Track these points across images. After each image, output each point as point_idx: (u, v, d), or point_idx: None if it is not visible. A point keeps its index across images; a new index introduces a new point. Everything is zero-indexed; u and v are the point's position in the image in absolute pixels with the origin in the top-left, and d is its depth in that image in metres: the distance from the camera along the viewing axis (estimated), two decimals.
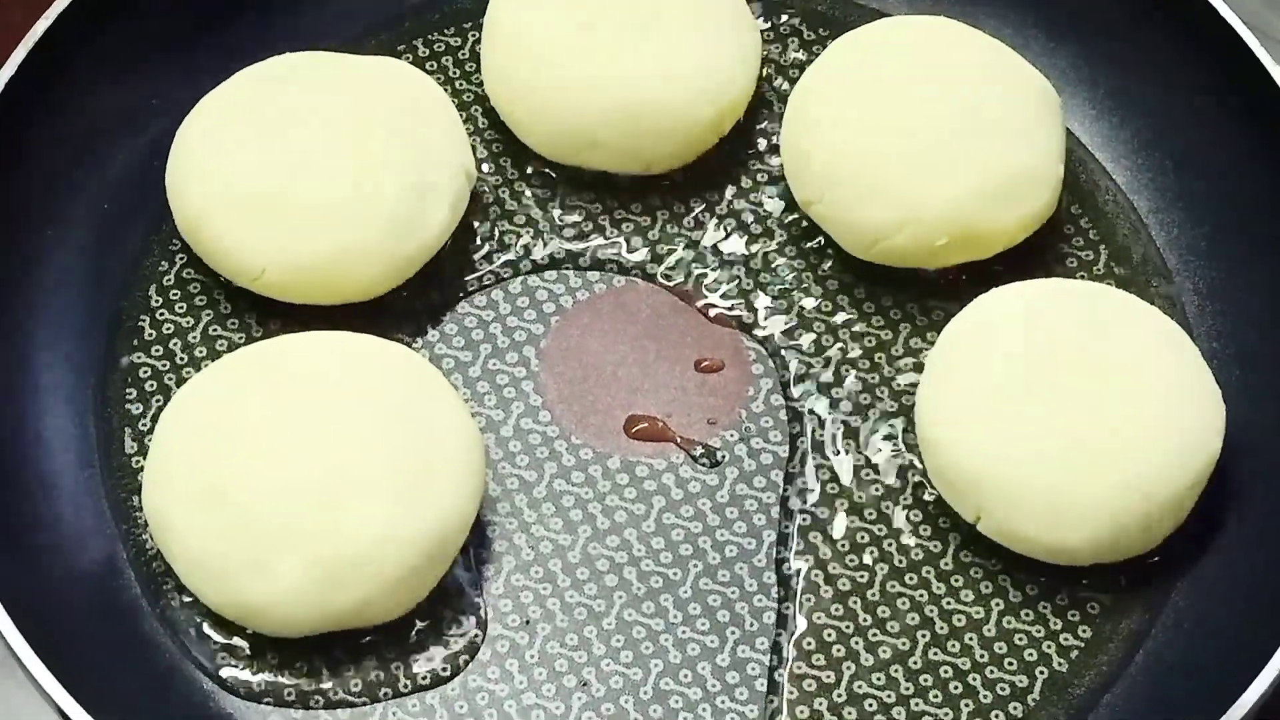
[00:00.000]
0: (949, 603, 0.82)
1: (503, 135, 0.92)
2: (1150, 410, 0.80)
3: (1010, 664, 0.81)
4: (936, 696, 0.81)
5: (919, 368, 0.87)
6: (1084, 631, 0.82)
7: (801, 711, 0.80)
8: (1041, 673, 0.81)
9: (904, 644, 0.82)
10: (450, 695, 0.80)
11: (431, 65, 0.94)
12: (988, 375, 0.81)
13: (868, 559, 0.83)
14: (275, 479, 0.78)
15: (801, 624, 0.82)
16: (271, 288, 0.86)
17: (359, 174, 0.85)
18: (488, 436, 0.85)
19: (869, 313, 0.89)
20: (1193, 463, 0.80)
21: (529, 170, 0.91)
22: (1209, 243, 0.90)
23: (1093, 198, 0.92)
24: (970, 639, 0.82)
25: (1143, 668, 0.81)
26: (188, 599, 0.81)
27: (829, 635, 0.82)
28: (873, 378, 0.87)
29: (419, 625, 0.81)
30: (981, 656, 0.82)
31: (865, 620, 0.82)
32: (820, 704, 0.80)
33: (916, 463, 0.85)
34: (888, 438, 0.86)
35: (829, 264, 0.90)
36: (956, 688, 0.81)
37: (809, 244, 0.90)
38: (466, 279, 0.89)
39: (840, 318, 0.88)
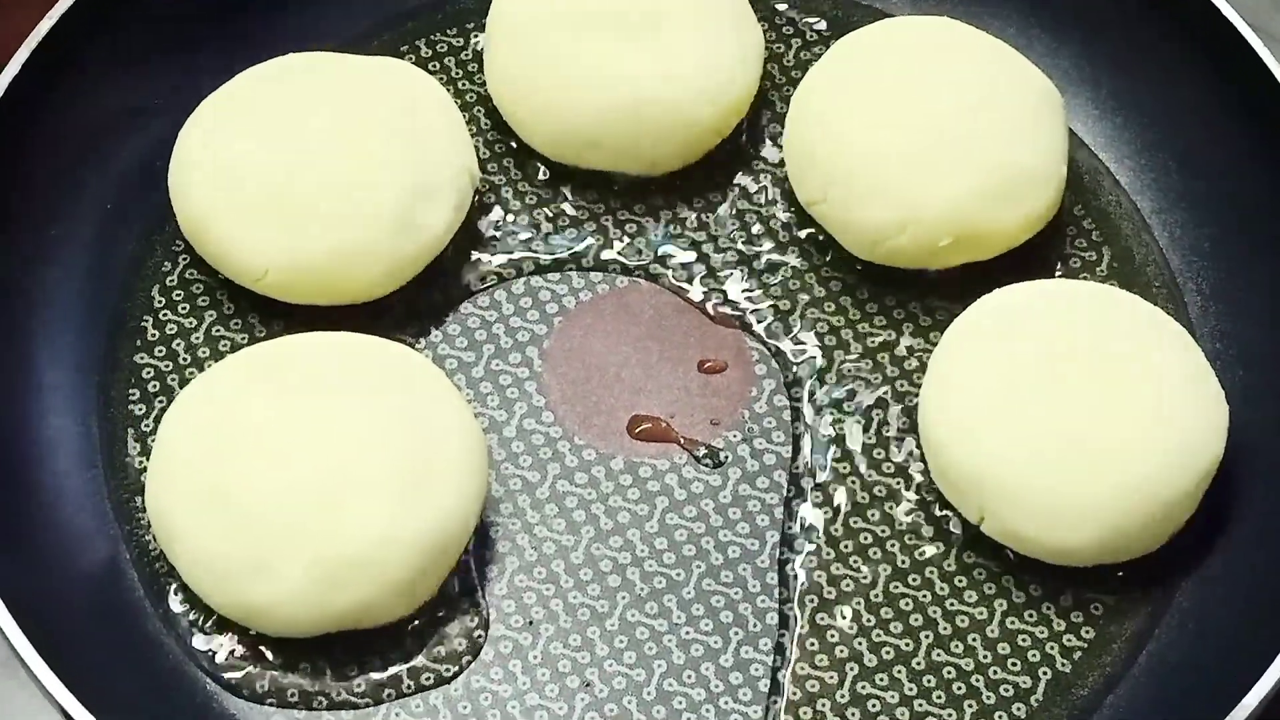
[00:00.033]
0: (952, 603, 0.82)
1: (505, 135, 0.92)
2: (1153, 411, 0.80)
3: (1014, 664, 0.81)
4: (940, 697, 0.81)
5: (922, 368, 0.87)
6: (1087, 632, 0.82)
7: (805, 712, 0.80)
8: (1045, 673, 0.81)
9: (907, 644, 0.82)
10: (453, 695, 0.80)
11: (434, 65, 0.94)
12: (991, 376, 0.81)
13: (871, 559, 0.83)
14: (278, 480, 0.78)
15: (804, 625, 0.82)
16: (274, 288, 0.86)
17: (362, 174, 0.85)
18: (491, 437, 0.85)
19: (872, 313, 0.89)
20: (1196, 463, 0.80)
21: (532, 170, 0.91)
22: (1212, 243, 0.90)
23: (1095, 198, 0.92)
24: (973, 639, 0.82)
25: (1146, 668, 0.81)
26: (190, 599, 0.81)
27: (832, 636, 0.82)
28: (876, 378, 0.87)
29: (422, 625, 0.81)
30: (985, 657, 0.81)
31: (868, 621, 0.82)
32: (823, 704, 0.80)
33: (920, 463, 0.85)
34: (891, 438, 0.86)
35: (832, 264, 0.90)
36: (960, 688, 0.81)
37: (812, 244, 0.90)
38: (469, 280, 0.89)
39: (843, 318, 0.88)
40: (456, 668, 0.81)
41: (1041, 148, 0.87)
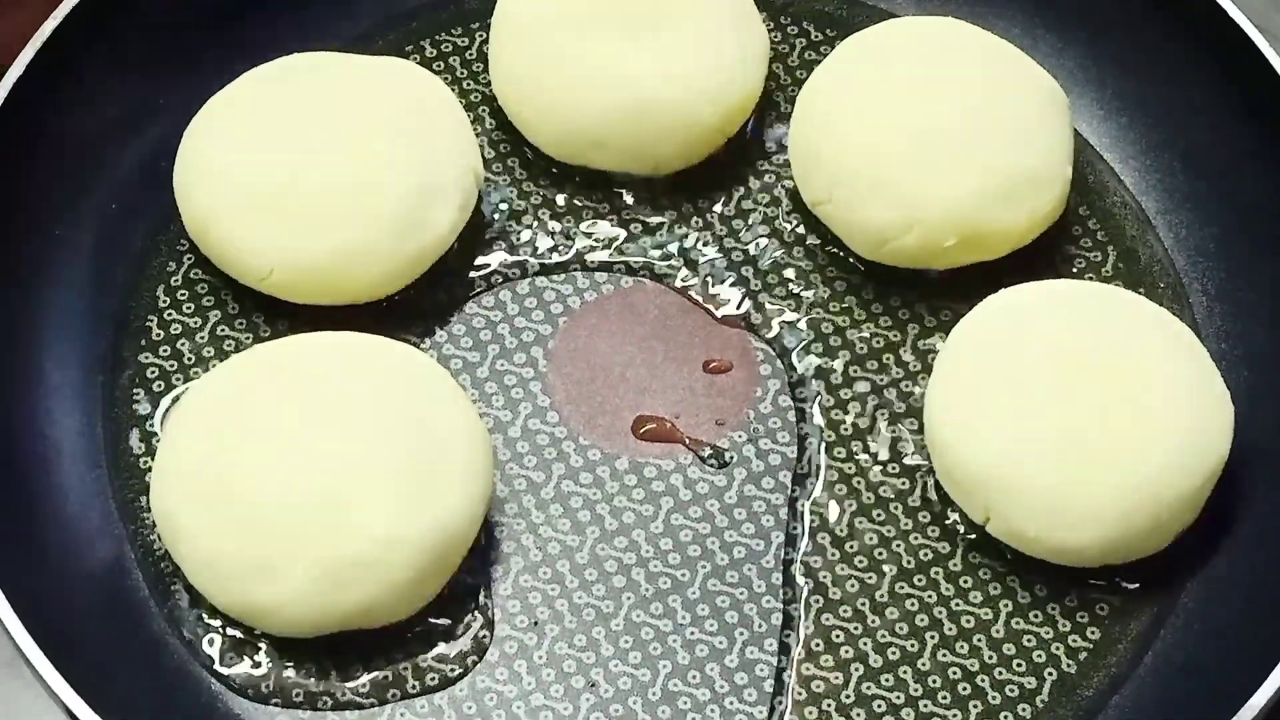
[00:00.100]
0: (957, 604, 0.82)
1: (510, 135, 0.92)
2: (1158, 411, 0.80)
3: (1019, 665, 0.81)
4: (945, 698, 0.81)
5: (927, 369, 0.87)
6: (1093, 633, 0.82)
7: (810, 713, 0.80)
8: (1050, 674, 0.81)
9: (912, 645, 0.82)
10: (458, 696, 0.80)
11: (439, 65, 0.94)
12: (996, 376, 0.81)
13: (876, 559, 0.83)
14: (283, 479, 0.78)
15: (809, 625, 0.82)
16: (279, 288, 0.85)
17: (366, 174, 0.85)
18: (496, 437, 0.85)
19: (877, 313, 0.88)
20: (1201, 464, 0.80)
21: (537, 171, 0.91)
22: (1217, 244, 0.90)
23: (1101, 199, 0.92)
24: (979, 640, 0.82)
25: (1152, 669, 0.81)
26: (195, 599, 0.81)
27: (837, 636, 0.82)
28: (881, 379, 0.87)
29: (427, 626, 0.81)
30: (990, 658, 0.81)
31: (873, 621, 0.82)
32: (828, 705, 0.80)
33: (925, 464, 0.85)
34: (896, 439, 0.86)
35: (837, 265, 0.89)
36: (965, 689, 0.81)
37: (817, 245, 0.90)
38: (474, 280, 0.89)
39: (848, 318, 0.88)
40: (461, 668, 0.81)
41: (1046, 148, 0.87)
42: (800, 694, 0.81)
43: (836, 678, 0.81)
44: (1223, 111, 0.91)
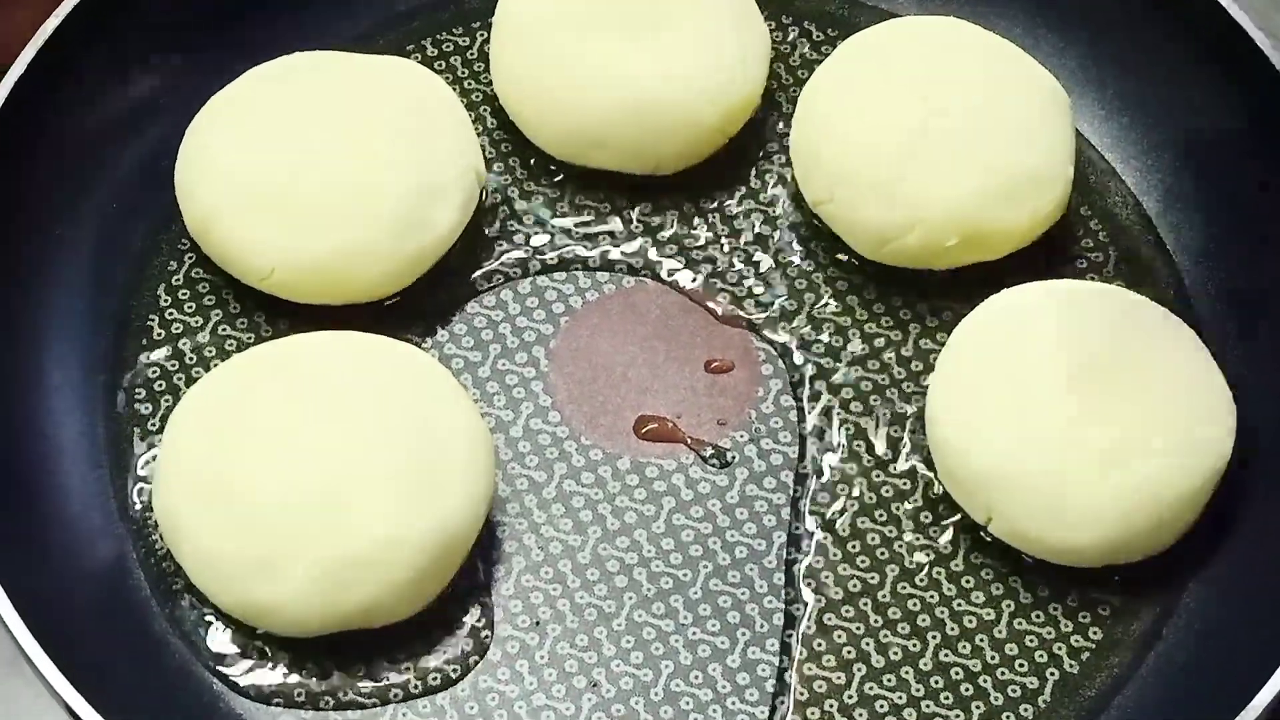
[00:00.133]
0: (959, 604, 0.82)
1: (512, 135, 0.92)
2: (1160, 411, 0.80)
3: (1021, 665, 0.81)
4: (947, 698, 0.81)
5: (929, 368, 0.87)
6: (1095, 633, 0.82)
7: (812, 713, 0.80)
8: (1052, 674, 0.81)
9: (914, 645, 0.82)
10: (460, 696, 0.80)
11: (440, 65, 0.94)
12: (998, 376, 0.81)
13: (878, 560, 0.83)
14: (285, 479, 0.77)
15: (811, 625, 0.82)
16: (280, 287, 0.85)
17: (368, 174, 0.84)
18: (497, 437, 0.85)
19: (879, 313, 0.88)
20: (1203, 464, 0.80)
21: (538, 170, 0.91)
22: (1217, 244, 0.90)
23: (1102, 198, 0.92)
24: (981, 640, 0.82)
25: (1154, 669, 0.81)
26: (197, 599, 0.81)
27: (839, 636, 0.82)
28: (883, 378, 0.87)
29: (429, 626, 0.81)
30: (992, 658, 0.81)
31: (876, 621, 0.82)
32: (831, 705, 0.80)
33: (927, 464, 0.85)
34: (898, 439, 0.86)
35: (839, 265, 0.89)
36: (967, 689, 0.81)
37: (819, 245, 0.90)
38: (475, 279, 0.89)
39: (850, 318, 0.88)
40: (463, 668, 0.81)
41: (1048, 148, 0.87)
42: (802, 694, 0.81)
43: (839, 678, 0.81)
44: (1223, 111, 0.91)
